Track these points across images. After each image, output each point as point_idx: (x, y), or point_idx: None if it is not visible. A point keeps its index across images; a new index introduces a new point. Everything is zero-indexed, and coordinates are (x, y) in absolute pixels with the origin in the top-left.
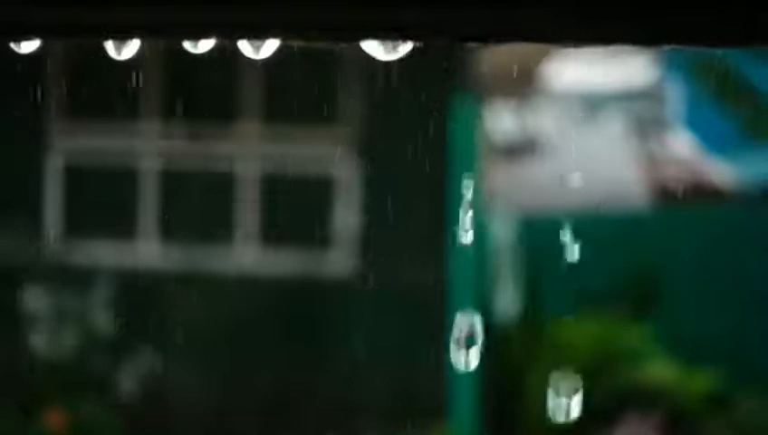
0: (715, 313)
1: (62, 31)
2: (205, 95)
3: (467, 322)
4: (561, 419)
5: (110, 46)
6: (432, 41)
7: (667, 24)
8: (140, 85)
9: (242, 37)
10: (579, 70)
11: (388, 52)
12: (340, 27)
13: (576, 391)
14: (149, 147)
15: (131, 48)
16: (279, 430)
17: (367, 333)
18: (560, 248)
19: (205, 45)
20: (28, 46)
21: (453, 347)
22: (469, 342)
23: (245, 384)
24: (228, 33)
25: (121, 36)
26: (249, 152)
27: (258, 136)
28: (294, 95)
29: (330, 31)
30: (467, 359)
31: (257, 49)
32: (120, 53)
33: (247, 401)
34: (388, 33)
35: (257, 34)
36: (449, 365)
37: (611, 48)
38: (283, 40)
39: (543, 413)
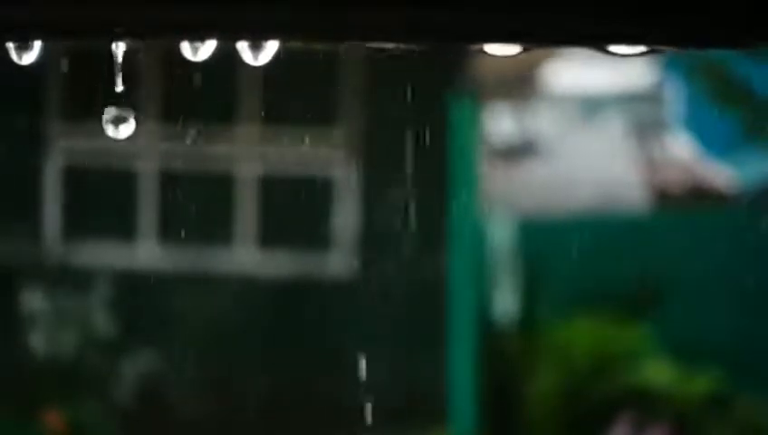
0: (715, 314)
1: (60, 31)
2: (204, 96)
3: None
4: None
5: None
6: (433, 42)
7: (666, 26)
8: (140, 86)
9: (240, 39)
10: (577, 72)
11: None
12: (340, 28)
13: None
14: (149, 148)
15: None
16: (278, 431)
17: (366, 335)
18: (558, 250)
19: (204, 53)
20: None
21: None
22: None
23: (244, 385)
24: (227, 35)
25: (125, 37)
26: (248, 153)
27: (257, 137)
28: (293, 96)
29: (330, 32)
30: (117, 132)
31: (256, 55)
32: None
33: (246, 402)
34: (389, 35)
35: (256, 36)
36: (449, 366)
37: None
38: (282, 41)
39: (542, 414)
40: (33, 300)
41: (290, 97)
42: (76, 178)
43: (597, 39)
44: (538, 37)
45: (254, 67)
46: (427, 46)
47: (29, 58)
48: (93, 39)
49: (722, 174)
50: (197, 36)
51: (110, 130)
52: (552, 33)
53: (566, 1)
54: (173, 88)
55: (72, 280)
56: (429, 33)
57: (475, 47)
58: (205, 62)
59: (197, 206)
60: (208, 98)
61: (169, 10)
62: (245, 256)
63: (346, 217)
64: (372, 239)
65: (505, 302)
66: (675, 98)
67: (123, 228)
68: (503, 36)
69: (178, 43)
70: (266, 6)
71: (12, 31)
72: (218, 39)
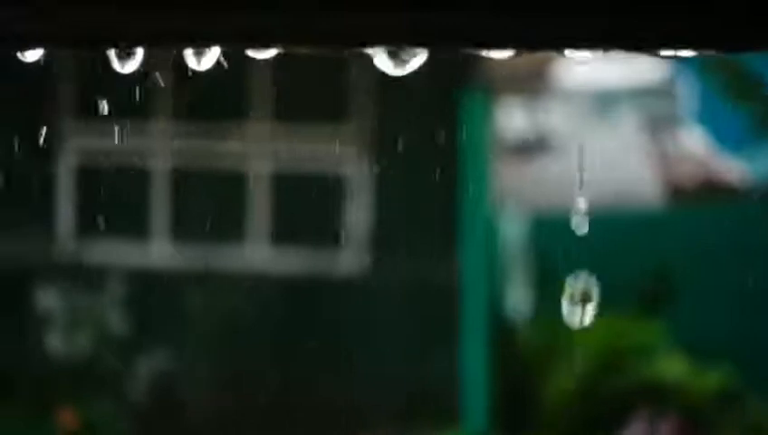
0: (728, 310)
1: (67, 40)
2: (216, 94)
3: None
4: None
5: (113, 59)
6: (441, 47)
7: (674, 28)
8: (152, 85)
9: (247, 46)
10: (590, 67)
11: (397, 66)
12: (347, 33)
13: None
14: (161, 146)
15: (135, 62)
16: (291, 427)
17: (378, 333)
18: (571, 246)
19: (208, 61)
20: (32, 55)
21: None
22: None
23: (257, 382)
24: (233, 42)
25: (126, 45)
26: (260, 151)
27: (269, 134)
28: (305, 93)
29: (337, 37)
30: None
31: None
32: (123, 67)
33: (259, 399)
34: (397, 39)
35: (263, 42)
36: (462, 363)
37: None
38: (291, 47)
39: (556, 412)
40: (47, 299)
41: (301, 94)
42: (89, 177)
43: (599, 42)
44: (542, 41)
45: (266, 65)
46: (430, 50)
47: (33, 56)
48: (97, 46)
49: (735, 169)
50: (198, 44)
51: None
52: (557, 37)
53: (569, 4)
54: (185, 86)
55: (85, 279)
56: (432, 36)
57: (476, 51)
58: (217, 60)
59: (210, 204)
60: (220, 96)
61: (169, 18)
62: (257, 254)
63: (358, 214)
64: (384, 236)
65: (518, 298)
66: (687, 93)
67: (136, 227)
68: (507, 40)
69: (180, 50)
70: (267, 12)
71: (14, 38)
72: (220, 46)
